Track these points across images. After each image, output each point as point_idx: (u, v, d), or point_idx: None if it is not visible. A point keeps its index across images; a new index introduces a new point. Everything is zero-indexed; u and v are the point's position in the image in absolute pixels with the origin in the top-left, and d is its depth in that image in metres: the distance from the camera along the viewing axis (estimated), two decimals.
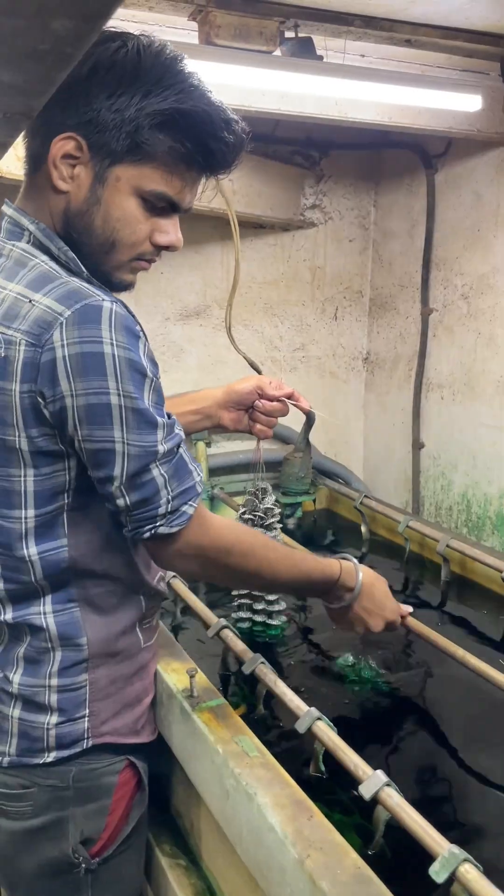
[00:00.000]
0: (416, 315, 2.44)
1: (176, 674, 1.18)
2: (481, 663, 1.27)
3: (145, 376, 0.86)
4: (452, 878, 0.79)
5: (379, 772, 0.93)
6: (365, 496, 2.15)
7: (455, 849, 0.81)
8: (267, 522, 1.55)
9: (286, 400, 1.30)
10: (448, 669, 1.43)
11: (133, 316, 0.89)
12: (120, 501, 0.89)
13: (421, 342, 2.41)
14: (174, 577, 1.60)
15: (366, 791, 0.92)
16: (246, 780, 0.96)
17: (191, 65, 0.88)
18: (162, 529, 0.91)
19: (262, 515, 1.56)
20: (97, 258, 0.91)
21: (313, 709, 1.06)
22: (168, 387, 0.99)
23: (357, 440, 2.78)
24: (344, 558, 1.21)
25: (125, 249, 0.91)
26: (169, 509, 0.91)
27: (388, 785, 0.91)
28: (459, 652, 1.31)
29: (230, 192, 2.11)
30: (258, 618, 1.58)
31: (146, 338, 0.89)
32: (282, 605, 1.59)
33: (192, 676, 1.13)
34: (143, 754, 1.09)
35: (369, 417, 2.76)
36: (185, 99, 0.85)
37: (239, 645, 1.28)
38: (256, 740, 1.05)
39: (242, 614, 1.59)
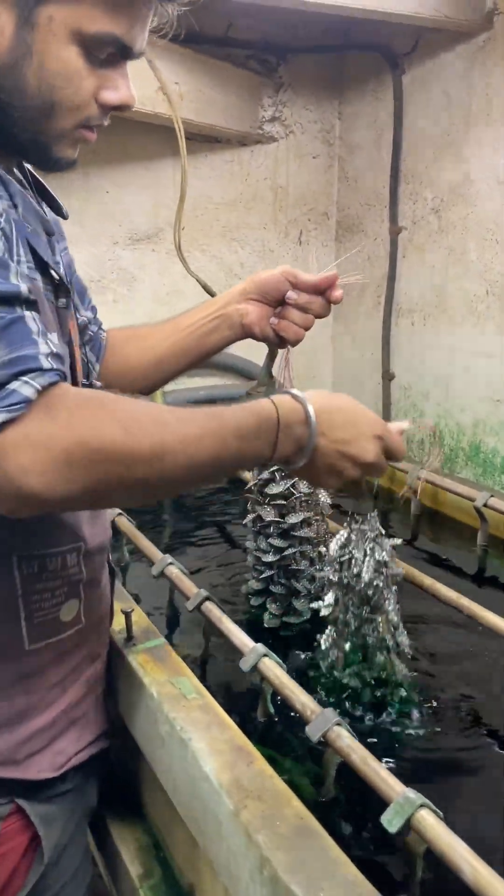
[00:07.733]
0: (384, 235, 2.27)
1: (115, 616, 1.07)
2: (450, 592, 1.18)
3: None
4: (408, 827, 0.69)
5: (328, 710, 0.82)
6: None
7: (411, 793, 0.70)
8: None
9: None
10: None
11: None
12: None
13: (390, 265, 2.25)
14: (120, 513, 1.48)
15: (313, 731, 0.81)
16: (181, 724, 0.85)
17: None
18: None
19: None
20: (34, 126, 0.72)
21: (259, 645, 0.96)
22: (119, 320, 0.81)
23: (325, 374, 2.64)
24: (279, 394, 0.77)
25: (68, 113, 0.71)
26: None
27: (338, 724, 0.81)
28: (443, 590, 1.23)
29: (176, 94, 1.91)
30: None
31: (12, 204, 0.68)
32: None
33: (127, 615, 1.02)
34: (49, 798, 0.82)
35: (337, 349, 2.61)
36: None
37: (185, 582, 1.19)
38: (196, 681, 0.94)
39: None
